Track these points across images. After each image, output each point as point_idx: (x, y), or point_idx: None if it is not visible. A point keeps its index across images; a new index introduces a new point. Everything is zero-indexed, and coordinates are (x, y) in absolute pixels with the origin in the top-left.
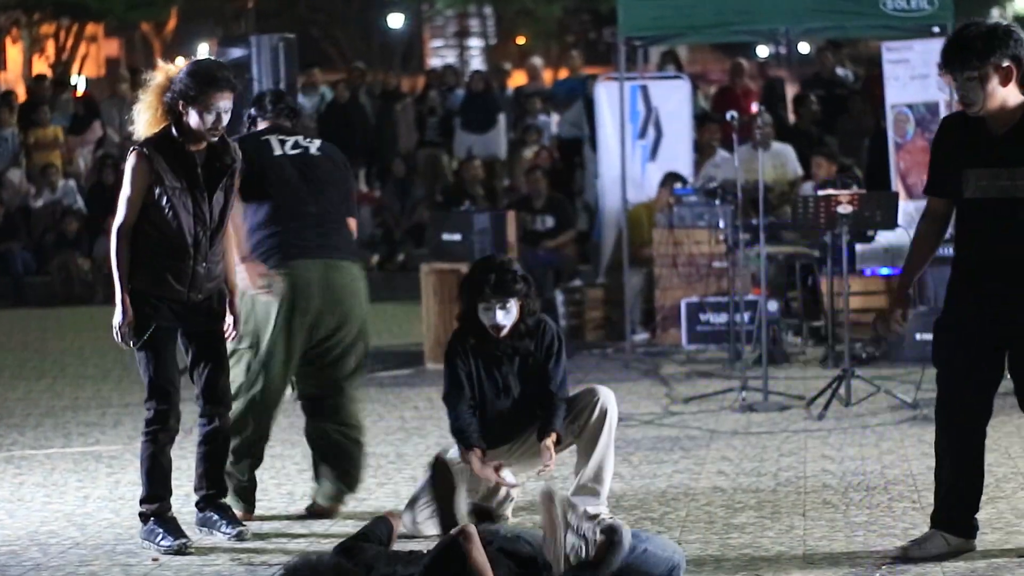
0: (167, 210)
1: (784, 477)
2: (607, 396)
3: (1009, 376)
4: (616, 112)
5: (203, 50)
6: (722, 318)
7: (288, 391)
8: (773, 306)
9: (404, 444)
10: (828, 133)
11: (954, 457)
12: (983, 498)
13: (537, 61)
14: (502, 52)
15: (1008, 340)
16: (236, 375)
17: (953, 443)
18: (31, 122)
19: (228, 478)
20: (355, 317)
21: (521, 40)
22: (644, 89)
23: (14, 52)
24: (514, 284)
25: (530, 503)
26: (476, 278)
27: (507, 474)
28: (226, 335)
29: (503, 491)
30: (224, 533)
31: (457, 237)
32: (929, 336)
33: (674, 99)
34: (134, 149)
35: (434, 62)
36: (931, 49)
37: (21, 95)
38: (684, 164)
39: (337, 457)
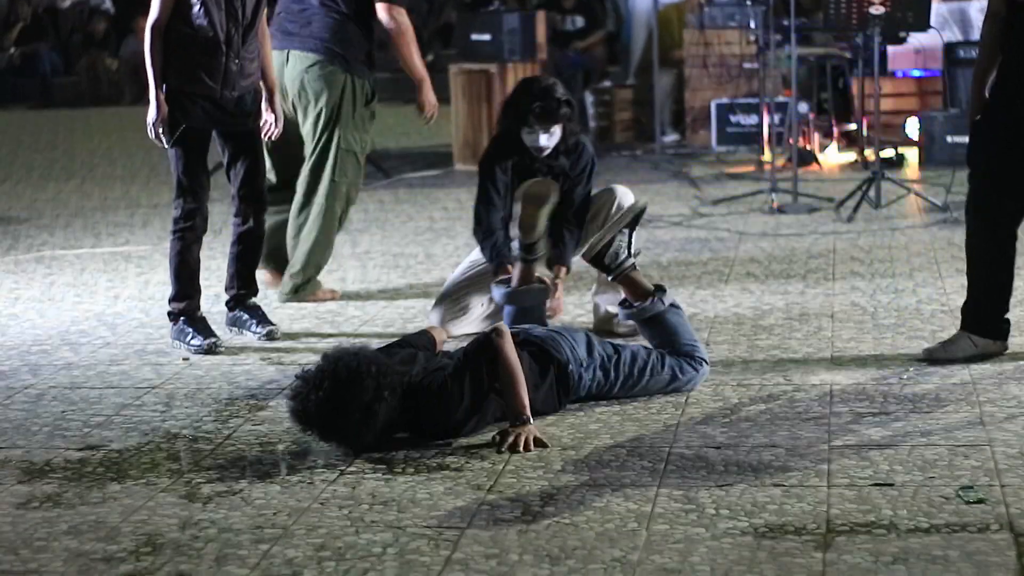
0: (199, 6)
1: (812, 279)
2: (623, 194)
3: None
4: None
5: None
6: (752, 119)
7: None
8: (804, 107)
9: (433, 244)
10: None
11: (985, 258)
12: (1012, 300)
13: None
14: None
15: None
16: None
17: (984, 243)
18: None
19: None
20: None
21: None
22: None
23: None
24: (559, 110)
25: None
26: (521, 104)
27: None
28: (265, 133)
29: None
30: (254, 332)
31: (486, 37)
32: (960, 139)
33: None
34: None
35: None
36: None
37: None
38: None
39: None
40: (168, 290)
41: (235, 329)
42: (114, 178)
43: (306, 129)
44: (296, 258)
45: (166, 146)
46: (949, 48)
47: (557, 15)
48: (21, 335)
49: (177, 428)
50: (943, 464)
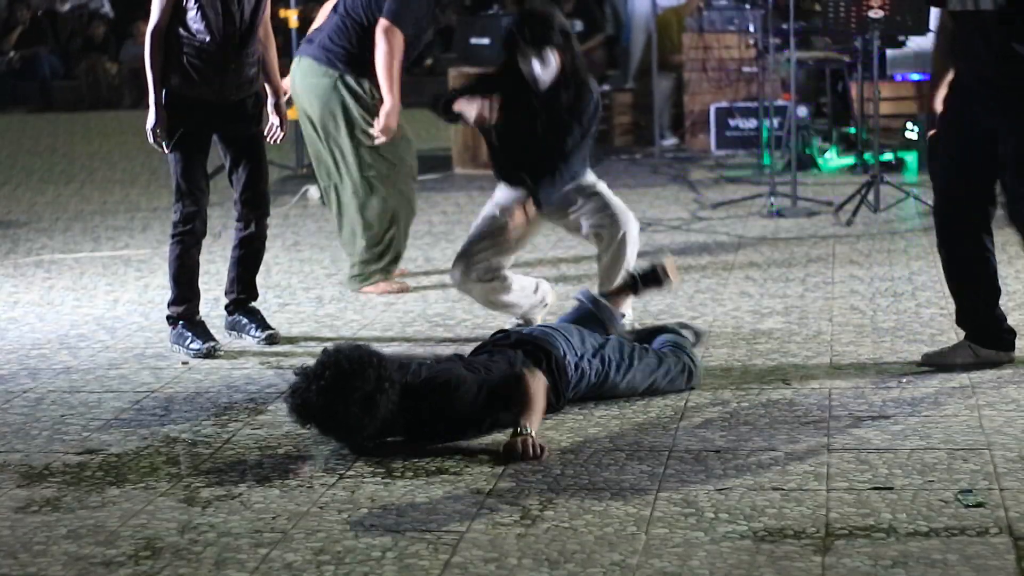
0: (196, 10)
1: (812, 283)
2: (630, 230)
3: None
4: None
5: None
6: (751, 123)
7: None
8: (803, 111)
9: (432, 248)
10: None
11: (953, 268)
12: (1010, 304)
13: None
14: None
15: (993, 156)
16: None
17: (954, 253)
18: None
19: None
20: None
21: None
22: None
23: None
24: (550, 33)
25: (560, 308)
26: (512, 28)
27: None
28: (269, 138)
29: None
30: (253, 337)
31: (485, 41)
32: None
33: None
34: None
35: None
36: None
37: None
38: None
39: None
40: (167, 294)
41: (234, 333)
42: (113, 182)
43: None
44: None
45: (165, 150)
46: None
47: None
48: (20, 339)
49: (176, 432)
50: (942, 468)
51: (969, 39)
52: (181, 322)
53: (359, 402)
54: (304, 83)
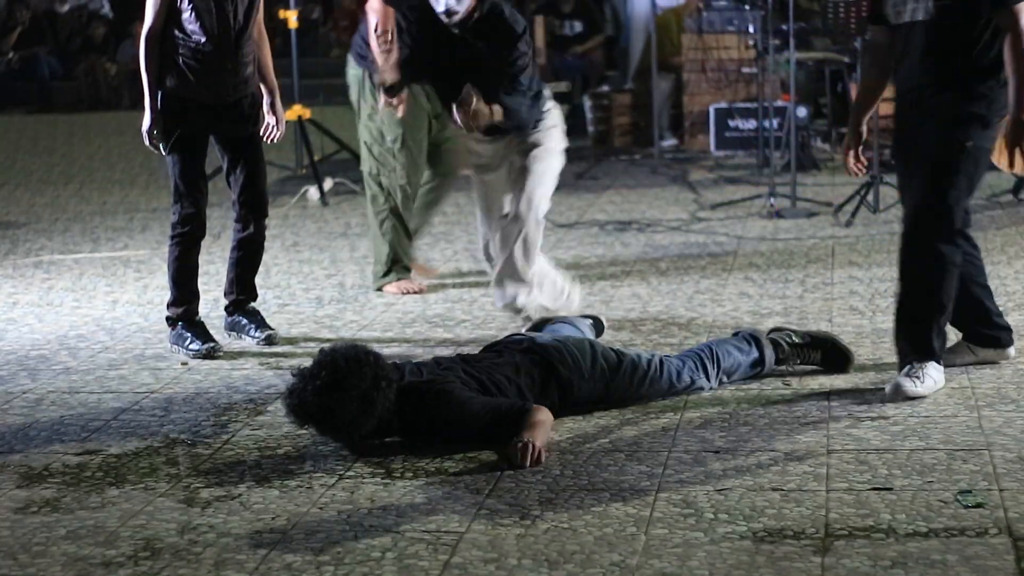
0: (189, 11)
1: (811, 283)
2: (529, 232)
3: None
4: None
5: None
6: (750, 124)
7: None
8: (802, 112)
9: (431, 249)
10: None
11: (908, 274)
12: (1010, 304)
13: None
14: None
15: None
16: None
17: (921, 259)
18: None
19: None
20: None
21: None
22: None
23: None
24: None
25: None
26: None
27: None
28: (266, 138)
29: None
30: (253, 337)
31: None
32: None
33: None
34: None
35: None
36: None
37: None
38: None
39: None
40: (166, 295)
41: (234, 334)
42: (113, 182)
43: None
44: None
45: (162, 152)
46: None
47: (555, 19)
48: (19, 340)
49: (176, 433)
50: (941, 468)
51: (906, 51)
52: (180, 323)
53: (356, 400)
54: None
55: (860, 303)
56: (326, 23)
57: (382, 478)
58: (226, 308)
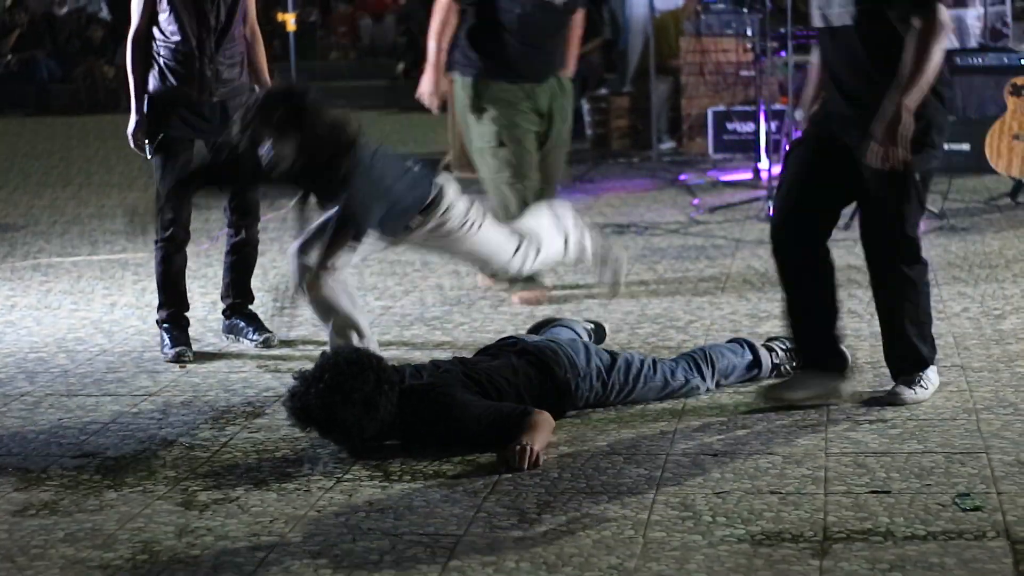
0: (168, 12)
1: None
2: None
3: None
4: None
5: None
6: (749, 127)
7: None
8: (800, 115)
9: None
10: None
11: (884, 303)
12: (1008, 307)
13: None
14: None
15: (844, 173)
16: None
17: (879, 285)
18: None
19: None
20: None
21: None
22: None
23: None
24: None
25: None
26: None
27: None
28: None
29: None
30: (251, 340)
31: None
32: (957, 146)
33: None
34: None
35: None
36: None
37: None
38: None
39: None
40: None
41: (232, 337)
42: (111, 185)
43: None
44: None
45: (147, 155)
46: (946, 56)
47: None
48: (17, 342)
49: (174, 435)
50: (940, 471)
51: (828, 55)
52: (165, 326)
53: (359, 404)
54: None
55: (858, 306)
56: (324, 26)
57: (380, 481)
58: (223, 312)
